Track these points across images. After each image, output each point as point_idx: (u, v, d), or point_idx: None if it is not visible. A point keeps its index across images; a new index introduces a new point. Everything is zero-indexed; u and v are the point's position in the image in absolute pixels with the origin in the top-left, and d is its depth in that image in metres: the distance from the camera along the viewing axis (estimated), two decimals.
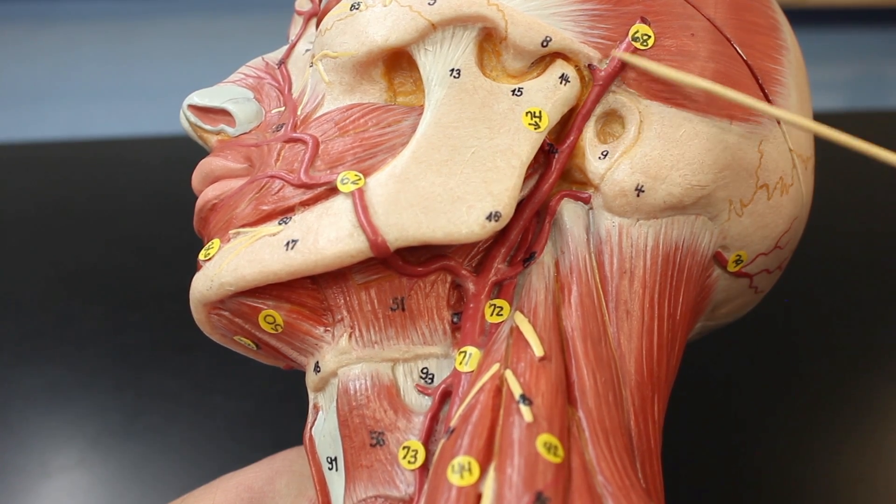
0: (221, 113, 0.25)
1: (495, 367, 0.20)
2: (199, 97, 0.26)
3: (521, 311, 0.21)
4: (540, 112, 0.21)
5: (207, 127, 0.26)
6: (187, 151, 0.34)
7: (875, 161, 0.18)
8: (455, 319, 0.22)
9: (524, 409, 0.18)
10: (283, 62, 0.27)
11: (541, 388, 0.19)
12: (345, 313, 0.22)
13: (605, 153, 0.22)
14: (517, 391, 0.19)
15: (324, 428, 0.22)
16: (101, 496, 0.36)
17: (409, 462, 0.20)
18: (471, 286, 0.21)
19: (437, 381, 0.21)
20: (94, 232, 0.50)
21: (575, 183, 0.23)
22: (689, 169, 0.21)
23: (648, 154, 0.21)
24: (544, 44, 0.21)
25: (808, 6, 1.41)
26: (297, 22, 0.28)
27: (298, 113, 0.24)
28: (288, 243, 0.20)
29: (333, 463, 0.21)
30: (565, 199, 0.22)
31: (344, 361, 0.21)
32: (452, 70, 0.21)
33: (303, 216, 0.21)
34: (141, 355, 0.42)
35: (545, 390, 0.19)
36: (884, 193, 0.52)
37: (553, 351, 0.20)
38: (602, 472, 0.18)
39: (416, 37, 0.21)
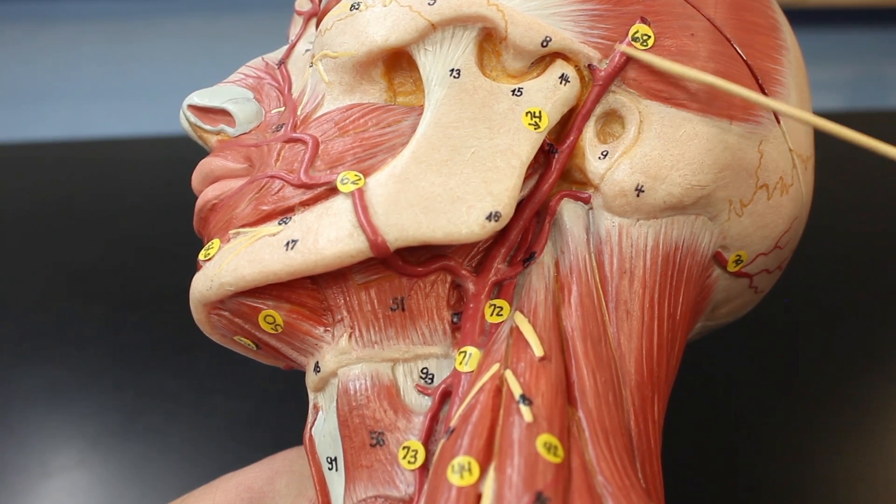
0: (221, 113, 0.25)
1: (495, 367, 0.20)
2: (199, 97, 0.26)
3: (521, 311, 0.21)
4: (540, 112, 0.21)
5: (207, 127, 0.26)
6: (187, 151, 0.34)
7: (875, 161, 0.18)
8: (455, 319, 0.22)
9: (524, 409, 0.18)
10: (282, 62, 0.27)
11: (541, 389, 0.19)
12: (345, 313, 0.22)
13: (604, 153, 0.22)
14: (517, 391, 0.19)
15: (324, 428, 0.22)
16: (101, 496, 0.36)
17: (408, 462, 0.20)
18: (471, 286, 0.21)
19: (437, 381, 0.21)
20: (94, 232, 0.50)
21: (575, 183, 0.22)
22: (689, 169, 0.21)
23: (648, 154, 0.21)
24: (544, 44, 0.21)
25: (808, 6, 1.41)
26: (297, 22, 0.28)
27: (298, 113, 0.24)
28: (288, 243, 0.20)
29: (333, 463, 0.21)
30: (565, 199, 0.22)
31: (344, 361, 0.21)
32: (452, 70, 0.21)
33: (303, 216, 0.21)
34: (140, 355, 0.42)
35: (545, 390, 0.19)
36: (884, 193, 0.52)
37: (553, 351, 0.20)
38: (602, 472, 0.18)
39: (415, 37, 0.21)
